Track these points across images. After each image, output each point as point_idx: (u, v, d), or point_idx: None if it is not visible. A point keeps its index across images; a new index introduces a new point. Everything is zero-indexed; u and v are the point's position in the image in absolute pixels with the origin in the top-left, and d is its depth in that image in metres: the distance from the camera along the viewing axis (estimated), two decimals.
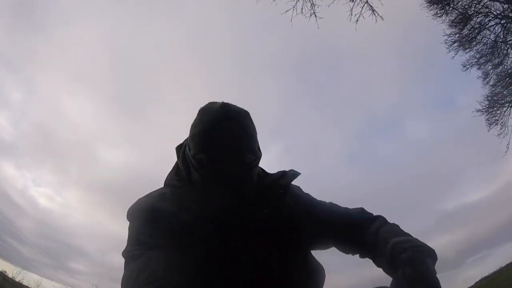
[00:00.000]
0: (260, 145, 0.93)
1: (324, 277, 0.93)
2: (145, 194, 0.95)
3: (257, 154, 0.91)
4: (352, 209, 1.04)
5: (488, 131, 8.80)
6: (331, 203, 1.05)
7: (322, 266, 0.94)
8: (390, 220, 0.96)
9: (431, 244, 0.81)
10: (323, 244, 1.00)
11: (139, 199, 0.93)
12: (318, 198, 1.05)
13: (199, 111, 0.91)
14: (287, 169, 1.01)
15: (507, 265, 9.61)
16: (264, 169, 1.05)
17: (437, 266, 0.78)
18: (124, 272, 0.79)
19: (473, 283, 10.31)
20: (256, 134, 0.93)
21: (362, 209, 1.03)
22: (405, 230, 0.89)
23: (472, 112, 8.94)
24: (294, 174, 0.98)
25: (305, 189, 1.07)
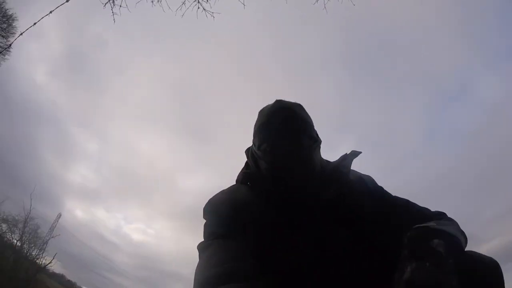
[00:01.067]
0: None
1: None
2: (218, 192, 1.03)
3: (315, 139, 0.97)
4: (430, 211, 0.97)
5: None
6: (404, 199, 1.02)
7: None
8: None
9: None
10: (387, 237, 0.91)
11: (212, 197, 1.01)
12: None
13: (258, 112, 1.03)
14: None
15: None
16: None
17: None
18: (198, 262, 0.83)
19: None
20: (312, 121, 1.00)
21: (440, 213, 0.95)
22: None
23: None
24: (355, 153, 1.02)
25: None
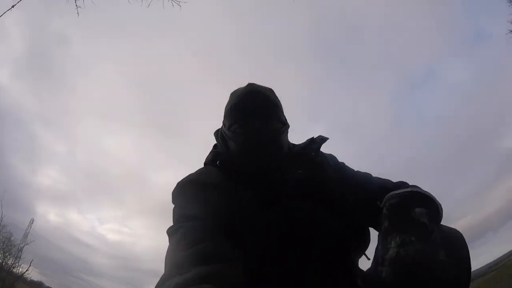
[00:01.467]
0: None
1: (369, 241, 0.94)
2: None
3: (283, 123, 1.02)
4: (392, 181, 1.00)
5: None
6: (366, 172, 1.07)
7: (369, 231, 0.95)
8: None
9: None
10: (356, 211, 0.93)
11: (180, 180, 0.99)
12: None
13: (230, 94, 1.06)
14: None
15: None
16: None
17: None
18: (168, 247, 0.79)
19: None
20: (281, 106, 1.05)
21: (402, 182, 0.97)
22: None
23: (506, 34, 8.40)
24: (323, 138, 1.05)
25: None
